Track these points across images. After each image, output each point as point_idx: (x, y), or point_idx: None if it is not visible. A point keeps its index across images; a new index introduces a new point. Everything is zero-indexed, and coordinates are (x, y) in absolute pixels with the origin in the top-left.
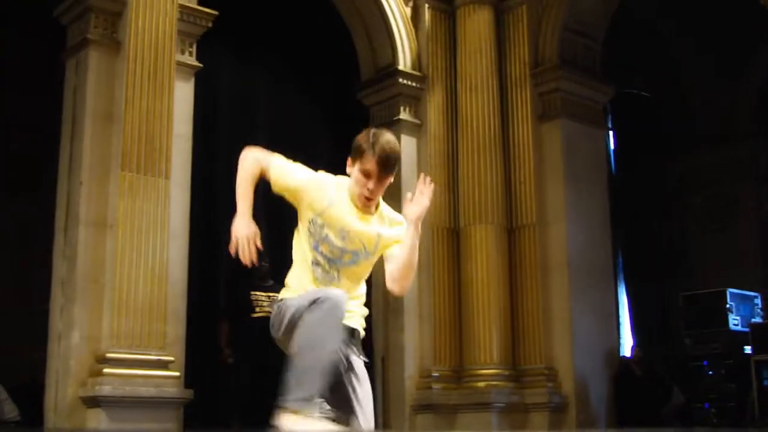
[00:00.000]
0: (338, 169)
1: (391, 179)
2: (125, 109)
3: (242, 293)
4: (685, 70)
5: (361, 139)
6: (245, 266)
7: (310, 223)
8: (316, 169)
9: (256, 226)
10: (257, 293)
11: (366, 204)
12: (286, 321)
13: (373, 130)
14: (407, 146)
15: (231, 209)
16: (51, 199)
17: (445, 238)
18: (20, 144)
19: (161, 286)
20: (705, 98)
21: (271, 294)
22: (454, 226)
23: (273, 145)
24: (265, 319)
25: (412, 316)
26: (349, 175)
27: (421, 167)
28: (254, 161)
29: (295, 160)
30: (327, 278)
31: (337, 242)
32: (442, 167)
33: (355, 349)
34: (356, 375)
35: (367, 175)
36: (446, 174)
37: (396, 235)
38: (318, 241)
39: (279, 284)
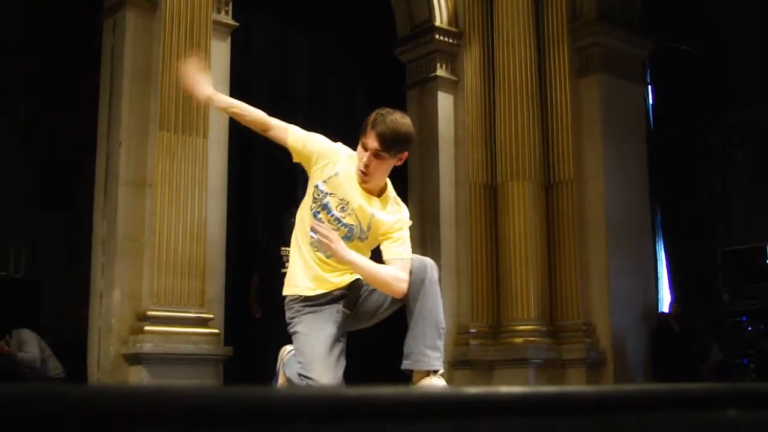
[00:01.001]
0: None
1: (395, 161)
2: (162, 69)
3: (271, 249)
4: (727, 23)
5: (371, 115)
6: (274, 222)
7: (315, 188)
8: (350, 130)
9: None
10: (287, 249)
11: (362, 179)
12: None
13: (384, 110)
14: (444, 103)
15: (268, 167)
16: (91, 160)
17: (482, 194)
18: (58, 105)
19: (200, 245)
20: (747, 52)
21: None
22: (491, 182)
23: (309, 103)
24: None
25: (449, 272)
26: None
27: (457, 124)
28: (265, 117)
29: (330, 119)
30: (322, 248)
31: (336, 212)
32: (479, 123)
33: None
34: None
35: (365, 148)
36: (483, 130)
37: (388, 223)
38: (319, 207)
39: None
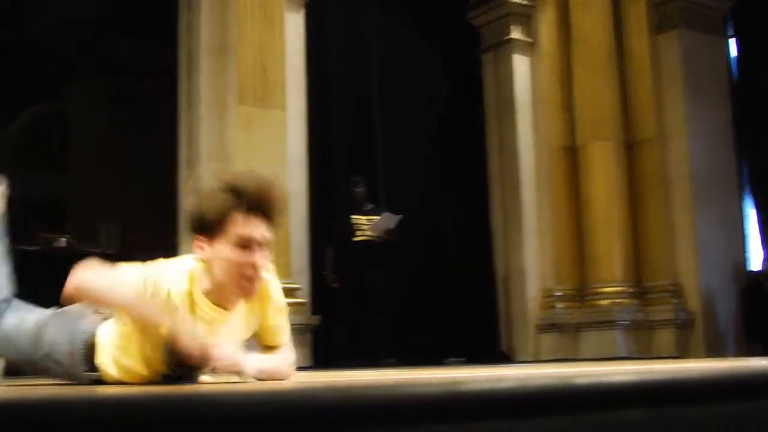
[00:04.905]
0: (448, 101)
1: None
2: (238, 42)
3: (344, 218)
4: None
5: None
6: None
7: None
8: (425, 99)
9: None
10: (357, 217)
11: (250, 290)
12: None
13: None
14: (519, 65)
15: (345, 137)
16: (173, 136)
17: (563, 156)
18: (138, 83)
19: (283, 216)
20: None
21: (371, 217)
22: (571, 144)
23: (383, 73)
24: (365, 243)
25: (531, 236)
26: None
27: (534, 86)
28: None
29: (405, 88)
30: None
31: None
32: (556, 85)
33: None
34: None
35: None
36: (561, 92)
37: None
38: None
39: (377, 207)
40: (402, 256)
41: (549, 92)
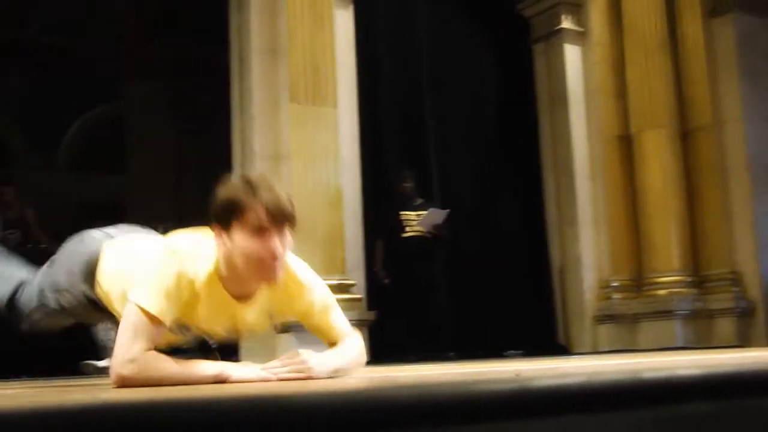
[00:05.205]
0: (499, 94)
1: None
2: (289, 41)
3: (393, 214)
4: None
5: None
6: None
7: None
8: (476, 88)
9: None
10: (407, 213)
11: (271, 277)
12: None
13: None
14: (571, 55)
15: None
16: (227, 136)
17: (617, 145)
18: (193, 84)
19: (338, 213)
20: None
21: (420, 212)
22: (625, 133)
23: (434, 65)
24: (415, 239)
25: (587, 226)
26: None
27: (587, 76)
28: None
29: (456, 80)
30: None
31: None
32: (609, 74)
33: None
34: None
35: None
36: (614, 80)
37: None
38: None
39: (427, 202)
40: (456, 250)
41: (601, 81)
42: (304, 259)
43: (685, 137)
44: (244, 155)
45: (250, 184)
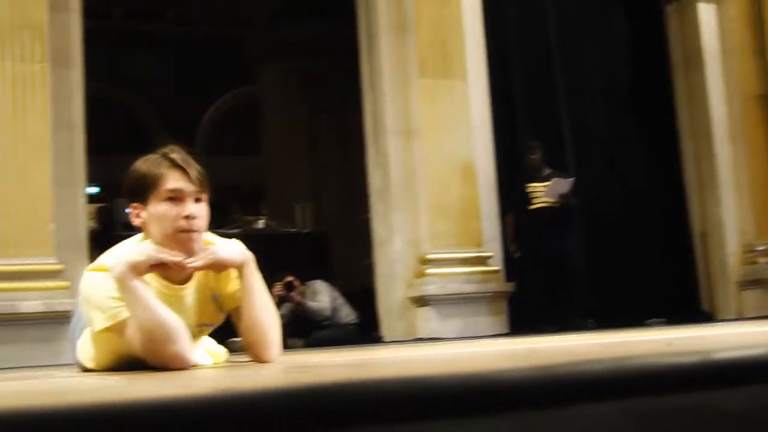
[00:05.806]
0: (631, 58)
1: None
2: (417, 17)
3: (520, 187)
4: None
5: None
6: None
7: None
8: (606, 51)
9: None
10: (534, 185)
11: (189, 244)
12: None
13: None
14: (705, 14)
15: (527, 104)
16: (358, 113)
17: (757, 105)
18: (323, 64)
19: (472, 186)
20: None
21: (547, 183)
22: (765, 91)
23: (563, 30)
24: (544, 210)
25: (728, 189)
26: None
27: (723, 34)
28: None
29: (586, 43)
30: None
31: None
32: (746, 32)
33: None
34: None
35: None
36: (752, 38)
37: None
38: None
39: (555, 172)
40: (591, 217)
41: (739, 39)
42: (439, 233)
43: None
44: (376, 132)
45: (162, 156)
